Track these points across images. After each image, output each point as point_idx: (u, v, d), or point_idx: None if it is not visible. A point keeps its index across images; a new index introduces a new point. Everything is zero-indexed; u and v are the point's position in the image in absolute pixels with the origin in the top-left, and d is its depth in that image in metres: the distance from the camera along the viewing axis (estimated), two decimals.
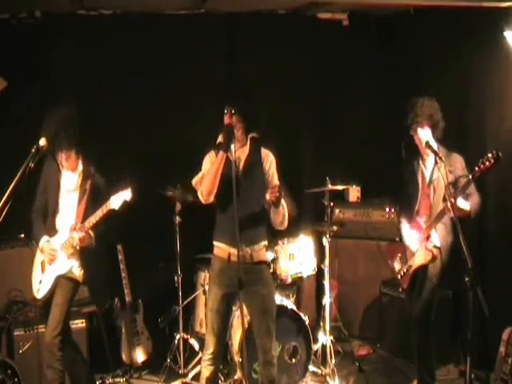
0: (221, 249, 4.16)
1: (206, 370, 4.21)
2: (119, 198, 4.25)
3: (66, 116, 4.32)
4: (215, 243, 4.21)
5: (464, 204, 4.30)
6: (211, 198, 4.06)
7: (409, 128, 4.53)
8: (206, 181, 4.04)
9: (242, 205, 3.96)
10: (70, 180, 4.47)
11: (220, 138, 4.12)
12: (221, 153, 3.98)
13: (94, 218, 4.30)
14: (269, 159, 4.21)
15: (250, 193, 4.09)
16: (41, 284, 4.48)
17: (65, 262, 4.42)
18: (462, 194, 4.28)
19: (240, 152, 4.12)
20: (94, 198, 4.41)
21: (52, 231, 4.46)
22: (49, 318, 4.40)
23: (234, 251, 4.02)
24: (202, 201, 4.09)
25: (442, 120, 4.55)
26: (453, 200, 4.14)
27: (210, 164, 4.09)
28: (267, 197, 3.98)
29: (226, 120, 4.04)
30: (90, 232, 4.36)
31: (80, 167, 4.48)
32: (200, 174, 4.15)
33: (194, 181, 4.17)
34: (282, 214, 4.08)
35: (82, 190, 4.43)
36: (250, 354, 4.29)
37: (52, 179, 4.48)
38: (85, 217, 4.36)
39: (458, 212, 4.18)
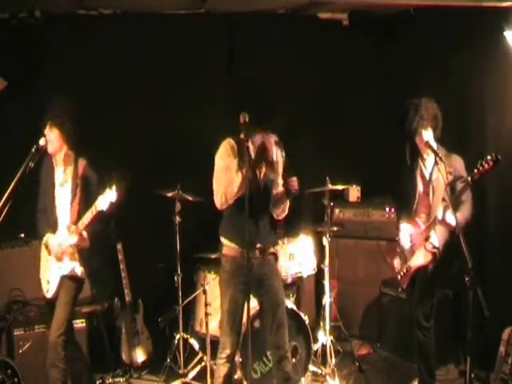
0: (232, 248, 4.15)
1: (223, 367, 4.21)
2: (105, 199, 4.18)
3: (66, 108, 4.39)
4: (225, 242, 4.18)
5: (451, 219, 4.20)
6: (230, 203, 4.04)
7: (415, 131, 4.48)
8: (234, 188, 3.97)
9: (261, 205, 4.07)
10: (63, 174, 4.48)
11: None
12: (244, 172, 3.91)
13: (85, 220, 4.30)
14: (275, 150, 4.23)
15: (266, 192, 4.16)
16: (49, 284, 4.50)
17: (67, 263, 4.44)
18: (459, 199, 4.28)
19: None
20: (87, 194, 4.39)
21: (55, 228, 4.47)
22: (53, 318, 4.41)
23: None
24: (219, 204, 4.06)
25: (441, 120, 4.55)
26: (451, 200, 4.15)
27: (231, 160, 4.03)
28: (280, 187, 4.12)
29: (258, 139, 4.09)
30: (84, 234, 4.36)
31: (72, 161, 4.47)
32: (222, 177, 4.04)
33: (217, 186, 4.07)
34: (287, 203, 4.19)
35: (73, 184, 4.42)
36: (251, 353, 4.29)
37: (48, 177, 4.50)
38: (79, 213, 4.36)
39: (445, 226, 4.28)
